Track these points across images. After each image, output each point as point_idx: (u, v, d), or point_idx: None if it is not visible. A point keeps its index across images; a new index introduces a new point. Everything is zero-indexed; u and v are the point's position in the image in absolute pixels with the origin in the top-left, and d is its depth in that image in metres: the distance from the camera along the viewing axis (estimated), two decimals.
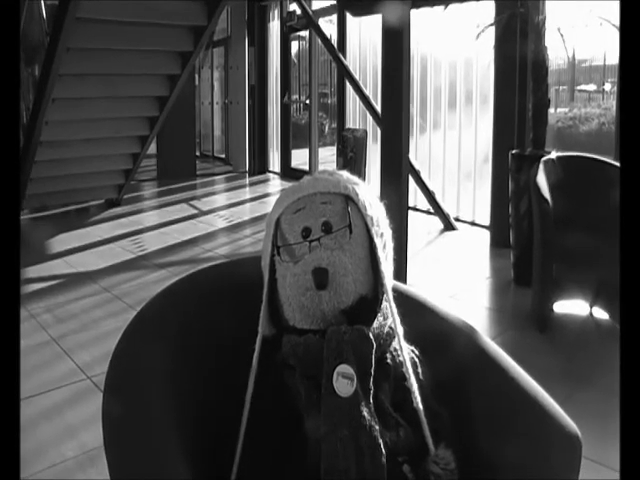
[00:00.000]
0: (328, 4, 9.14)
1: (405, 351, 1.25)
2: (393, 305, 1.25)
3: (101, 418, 1.22)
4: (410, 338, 1.29)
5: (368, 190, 1.34)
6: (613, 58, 5.63)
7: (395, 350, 1.26)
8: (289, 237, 1.26)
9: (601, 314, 4.16)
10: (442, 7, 6.38)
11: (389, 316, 1.25)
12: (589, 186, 4.25)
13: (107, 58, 6.51)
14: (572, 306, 4.25)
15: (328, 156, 10.61)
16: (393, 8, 4.31)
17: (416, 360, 1.30)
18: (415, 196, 7.42)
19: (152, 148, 8.85)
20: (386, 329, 1.24)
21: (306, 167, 10.01)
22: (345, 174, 1.34)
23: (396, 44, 4.28)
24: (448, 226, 6.84)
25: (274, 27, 10.56)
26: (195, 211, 8.06)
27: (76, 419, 2.97)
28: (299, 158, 10.46)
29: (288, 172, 10.36)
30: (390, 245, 1.34)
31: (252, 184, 10.25)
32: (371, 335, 1.17)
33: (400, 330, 1.25)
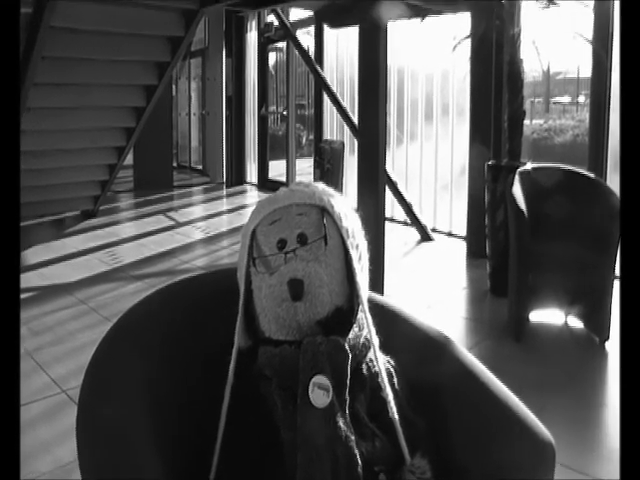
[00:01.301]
0: (306, 15, 9.17)
1: (381, 362, 1.25)
2: (369, 316, 1.25)
3: (75, 431, 1.21)
4: (386, 349, 1.30)
5: (344, 202, 1.35)
6: (586, 71, 5.69)
7: (371, 361, 1.27)
8: (265, 248, 1.26)
9: (576, 323, 4.20)
10: (419, 19, 6.42)
11: (365, 327, 1.26)
12: (564, 197, 4.29)
13: (83, 68, 6.47)
14: (548, 315, 4.29)
15: (305, 168, 10.63)
16: (371, 19, 4.34)
17: (392, 371, 1.30)
18: (392, 207, 7.45)
19: (129, 159, 8.81)
20: (362, 340, 1.25)
21: (283, 179, 10.01)
22: (321, 186, 1.35)
23: (373, 56, 4.31)
24: (425, 237, 6.87)
25: (252, 38, 10.57)
26: (172, 222, 8.03)
27: (51, 433, 2.95)
28: (276, 169, 10.47)
29: (265, 183, 10.36)
30: (366, 256, 1.35)
31: (229, 195, 10.23)
32: (347, 346, 1.18)
33: (376, 341, 1.25)
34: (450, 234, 7.03)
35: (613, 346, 3.86)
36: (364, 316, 1.26)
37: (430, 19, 6.26)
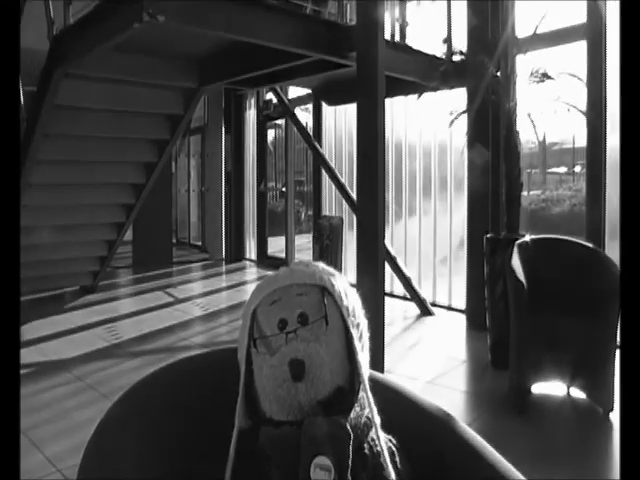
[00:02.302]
0: (304, 93, 9.34)
1: (382, 441, 1.24)
2: (370, 395, 1.24)
3: None
4: (387, 427, 1.28)
5: (344, 280, 1.36)
6: (582, 140, 5.79)
7: (372, 440, 1.25)
8: (265, 329, 1.27)
9: (579, 394, 4.16)
10: (416, 96, 6.55)
11: (366, 406, 1.25)
12: (563, 267, 4.31)
13: (84, 145, 6.57)
14: (550, 387, 4.25)
15: (304, 243, 10.67)
16: (368, 98, 4.42)
17: (393, 449, 1.29)
18: (392, 282, 7.47)
19: (128, 235, 8.85)
20: (363, 419, 1.24)
21: (282, 255, 10.05)
22: (321, 265, 1.36)
23: (371, 132, 4.38)
24: (425, 311, 6.85)
25: (250, 115, 10.75)
26: (171, 299, 8.01)
27: None
28: (275, 246, 10.51)
29: (264, 260, 10.39)
30: (366, 335, 1.34)
31: (228, 272, 10.24)
32: (348, 426, 1.17)
33: (377, 420, 1.24)
34: (450, 307, 7.02)
35: (618, 417, 3.82)
36: (365, 395, 1.25)
37: (427, 95, 6.38)
